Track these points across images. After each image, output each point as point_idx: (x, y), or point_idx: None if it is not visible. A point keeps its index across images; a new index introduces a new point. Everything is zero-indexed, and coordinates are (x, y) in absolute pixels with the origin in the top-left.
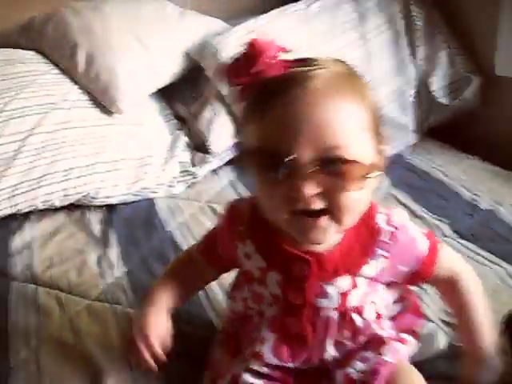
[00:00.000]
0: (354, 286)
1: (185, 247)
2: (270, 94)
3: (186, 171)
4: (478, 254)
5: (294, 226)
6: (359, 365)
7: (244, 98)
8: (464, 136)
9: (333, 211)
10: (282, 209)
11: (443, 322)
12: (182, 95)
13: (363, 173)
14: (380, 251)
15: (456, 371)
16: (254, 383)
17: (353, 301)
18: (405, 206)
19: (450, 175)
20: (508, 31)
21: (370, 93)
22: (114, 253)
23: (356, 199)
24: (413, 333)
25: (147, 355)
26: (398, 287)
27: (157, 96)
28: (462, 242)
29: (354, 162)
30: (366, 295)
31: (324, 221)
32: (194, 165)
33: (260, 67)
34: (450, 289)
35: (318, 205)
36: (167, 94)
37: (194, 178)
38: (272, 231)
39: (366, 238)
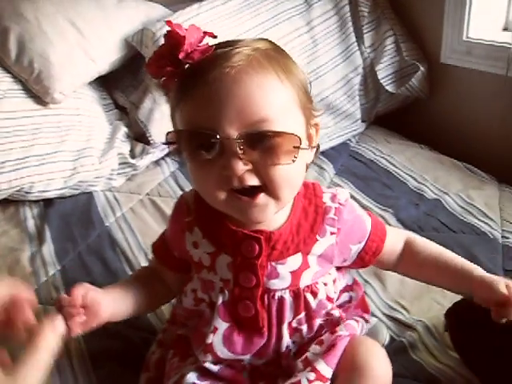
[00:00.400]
0: (306, 265)
1: (122, 242)
2: (193, 76)
3: (126, 163)
4: None
5: (232, 207)
6: (316, 348)
7: (170, 87)
8: (411, 124)
9: (268, 187)
10: (217, 189)
11: (386, 316)
12: (122, 84)
13: (292, 144)
14: (328, 228)
15: (398, 367)
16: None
17: (305, 280)
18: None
19: (396, 164)
20: (454, 18)
21: (296, 68)
22: (48, 250)
23: (289, 172)
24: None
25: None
26: (347, 273)
27: (96, 84)
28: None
29: (282, 133)
30: (317, 275)
31: (261, 198)
32: (134, 156)
33: (184, 54)
34: (410, 257)
35: (252, 181)
36: (107, 82)
37: (135, 169)
38: (218, 215)
39: (314, 216)
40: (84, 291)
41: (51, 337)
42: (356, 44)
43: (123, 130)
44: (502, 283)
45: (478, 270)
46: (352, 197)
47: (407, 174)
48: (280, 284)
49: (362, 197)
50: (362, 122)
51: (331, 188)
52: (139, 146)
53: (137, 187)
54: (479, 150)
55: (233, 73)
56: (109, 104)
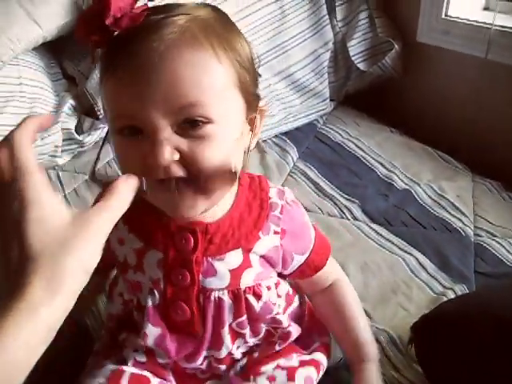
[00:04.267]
0: (248, 263)
1: None
2: (117, 47)
3: (72, 139)
4: (390, 241)
5: (156, 198)
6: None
7: (97, 57)
8: (383, 106)
9: (196, 177)
10: (138, 170)
11: None
12: (72, 51)
13: (227, 133)
14: (272, 226)
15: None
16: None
17: (246, 280)
18: (313, 182)
19: (364, 149)
20: None
21: (240, 43)
22: None
23: (223, 163)
24: (324, 346)
25: None
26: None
27: (43, 51)
28: (374, 226)
29: (215, 121)
30: (260, 276)
31: (188, 192)
32: (80, 132)
33: (111, 19)
34: (328, 297)
35: (179, 172)
36: (56, 50)
37: (81, 146)
38: (147, 206)
39: (259, 211)
40: None
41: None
42: (327, 17)
43: (70, 102)
44: None
45: (361, 366)
46: (316, 184)
47: (376, 161)
48: (217, 283)
49: (327, 184)
50: (331, 101)
51: (277, 185)
52: (87, 121)
53: (83, 166)
54: (453, 136)
55: (161, 47)
56: (56, 73)
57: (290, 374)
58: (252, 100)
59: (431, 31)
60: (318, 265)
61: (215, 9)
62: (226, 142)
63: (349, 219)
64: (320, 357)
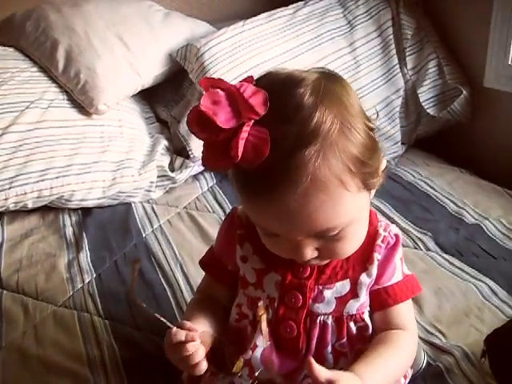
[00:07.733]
0: (354, 294)
1: (159, 254)
2: (250, 184)
3: (165, 176)
4: (462, 270)
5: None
6: None
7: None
8: (451, 148)
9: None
10: (281, 255)
11: (422, 340)
12: (165, 97)
13: (360, 225)
14: (376, 255)
15: None
16: None
17: (350, 309)
18: (389, 217)
19: (435, 187)
20: (498, 42)
21: (356, 139)
22: (85, 257)
23: (356, 246)
24: None
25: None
26: None
27: (138, 97)
28: (446, 256)
29: (347, 226)
30: (364, 305)
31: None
32: (173, 169)
33: (238, 154)
34: (385, 336)
35: (315, 262)
36: (149, 96)
37: (173, 183)
38: None
39: (366, 244)
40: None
41: None
42: (398, 66)
43: (163, 143)
44: None
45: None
46: (391, 219)
47: (447, 198)
48: (324, 308)
49: (401, 219)
50: (402, 144)
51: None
52: (179, 160)
53: (174, 200)
54: None
55: (293, 197)
56: (150, 117)
57: None
58: (374, 181)
59: (498, 77)
60: (398, 297)
61: (335, 106)
62: (360, 230)
63: (422, 250)
64: None
